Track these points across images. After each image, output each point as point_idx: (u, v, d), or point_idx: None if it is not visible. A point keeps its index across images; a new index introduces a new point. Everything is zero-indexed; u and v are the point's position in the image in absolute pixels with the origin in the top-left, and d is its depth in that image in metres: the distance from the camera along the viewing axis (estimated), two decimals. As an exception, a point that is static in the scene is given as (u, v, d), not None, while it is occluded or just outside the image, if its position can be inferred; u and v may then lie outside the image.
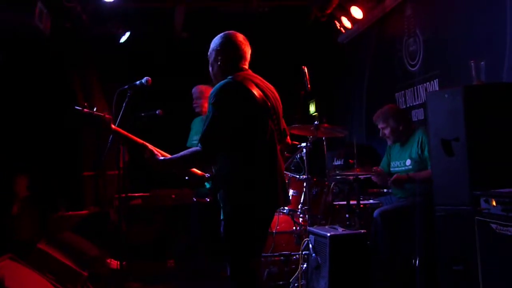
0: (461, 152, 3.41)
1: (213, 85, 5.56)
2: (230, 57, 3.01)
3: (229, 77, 2.91)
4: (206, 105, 5.46)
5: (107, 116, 3.07)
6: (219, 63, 3.02)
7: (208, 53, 3.09)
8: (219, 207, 2.93)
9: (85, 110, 3.03)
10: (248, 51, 3.07)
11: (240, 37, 3.06)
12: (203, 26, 6.94)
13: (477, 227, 3.21)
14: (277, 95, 3.10)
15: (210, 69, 3.10)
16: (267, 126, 2.91)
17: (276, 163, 2.95)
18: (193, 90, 5.57)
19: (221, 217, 2.89)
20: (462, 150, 3.41)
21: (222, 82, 2.88)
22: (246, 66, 3.06)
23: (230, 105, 2.82)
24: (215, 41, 3.06)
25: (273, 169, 2.93)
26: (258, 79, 3.04)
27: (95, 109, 3.06)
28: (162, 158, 2.98)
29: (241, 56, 3.03)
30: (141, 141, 3.06)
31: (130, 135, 3.10)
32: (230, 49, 3.01)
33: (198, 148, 2.80)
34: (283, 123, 3.17)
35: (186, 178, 3.11)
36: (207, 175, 3.09)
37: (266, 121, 2.92)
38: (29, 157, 6.22)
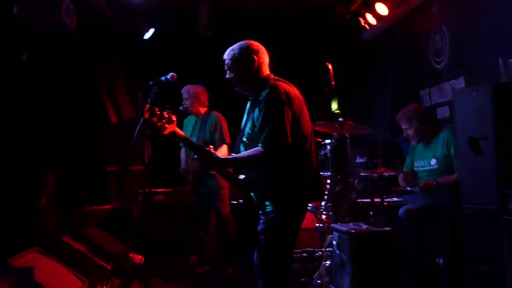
0: (489, 151, 3.36)
1: (201, 85, 5.63)
2: (256, 64, 3.10)
3: (267, 82, 3.05)
4: (195, 105, 5.51)
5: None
6: (248, 70, 3.10)
7: (228, 63, 3.14)
8: (253, 207, 3.06)
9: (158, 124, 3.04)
10: (267, 57, 3.20)
11: (260, 45, 3.18)
12: (227, 24, 6.95)
13: (504, 227, 3.17)
14: None
15: (234, 77, 3.14)
16: (309, 122, 3.09)
17: (317, 158, 3.17)
18: (182, 90, 5.55)
19: (265, 216, 2.99)
20: (489, 148, 3.36)
21: (270, 87, 2.99)
22: (269, 71, 3.19)
23: (286, 106, 2.93)
24: (238, 51, 3.11)
25: (317, 164, 3.09)
26: (283, 79, 3.15)
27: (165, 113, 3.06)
28: (224, 157, 3.15)
29: (265, 62, 3.16)
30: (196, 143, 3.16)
31: (187, 136, 3.23)
32: (255, 56, 3.10)
33: (260, 148, 2.89)
34: None
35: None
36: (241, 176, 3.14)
37: (308, 117, 3.08)
38: (55, 152, 6.32)
